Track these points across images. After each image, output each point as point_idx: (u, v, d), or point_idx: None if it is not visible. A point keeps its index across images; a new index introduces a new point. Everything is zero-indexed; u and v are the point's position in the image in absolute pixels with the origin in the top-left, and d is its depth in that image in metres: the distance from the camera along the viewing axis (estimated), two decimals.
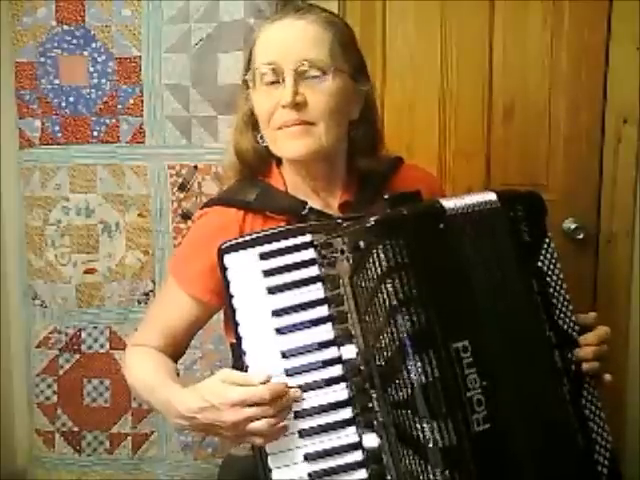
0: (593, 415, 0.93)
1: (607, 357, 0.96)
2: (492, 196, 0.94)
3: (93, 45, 1.71)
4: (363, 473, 0.90)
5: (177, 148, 1.72)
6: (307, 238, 0.95)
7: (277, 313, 0.93)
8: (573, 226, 1.70)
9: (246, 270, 0.94)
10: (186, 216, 1.73)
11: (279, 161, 1.13)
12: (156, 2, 1.68)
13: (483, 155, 1.76)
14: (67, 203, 1.75)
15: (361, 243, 0.87)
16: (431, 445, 0.80)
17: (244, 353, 0.92)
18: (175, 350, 1.13)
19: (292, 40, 1.03)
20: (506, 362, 0.87)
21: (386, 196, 0.91)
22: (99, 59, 1.71)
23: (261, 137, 1.10)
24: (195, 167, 1.72)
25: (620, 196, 1.72)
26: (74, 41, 1.71)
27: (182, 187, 1.73)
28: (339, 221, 0.99)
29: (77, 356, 1.77)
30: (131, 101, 1.72)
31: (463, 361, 0.83)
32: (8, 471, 1.89)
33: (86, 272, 1.76)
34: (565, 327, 0.94)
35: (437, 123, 1.75)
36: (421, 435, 0.81)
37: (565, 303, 0.95)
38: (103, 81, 1.72)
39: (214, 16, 1.66)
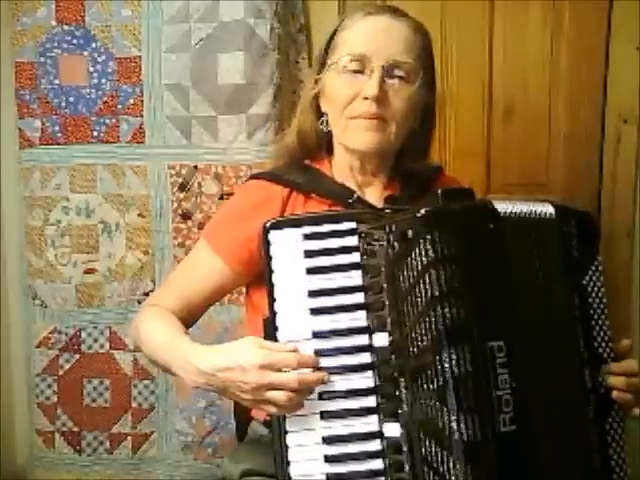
0: (615, 443, 0.92)
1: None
2: (549, 208, 0.94)
3: (93, 45, 1.71)
4: (380, 462, 0.90)
5: (177, 148, 1.72)
6: (353, 225, 0.95)
7: (314, 294, 0.93)
8: None
9: (289, 248, 0.95)
10: (186, 216, 1.73)
11: (328, 150, 1.15)
12: (156, 2, 1.68)
13: (483, 155, 1.76)
14: (67, 203, 1.75)
15: (409, 232, 0.87)
16: (456, 438, 0.80)
17: (277, 329, 0.93)
18: (189, 317, 1.12)
19: (386, 38, 1.06)
20: (538, 369, 0.87)
21: (439, 190, 0.90)
22: (99, 59, 1.72)
23: (321, 122, 1.12)
24: (195, 167, 1.72)
25: (620, 196, 1.72)
26: (74, 41, 1.72)
27: (182, 187, 1.73)
28: (387, 211, 1.00)
29: (77, 356, 1.78)
30: (131, 101, 1.72)
31: (496, 360, 0.83)
32: (8, 471, 1.89)
33: (86, 272, 1.76)
34: (600, 350, 0.94)
35: (437, 123, 1.74)
36: (447, 427, 0.81)
37: (604, 328, 0.94)
38: (103, 81, 1.72)
39: (214, 16, 1.66)
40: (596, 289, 0.95)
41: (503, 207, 0.90)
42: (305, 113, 1.14)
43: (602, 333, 0.94)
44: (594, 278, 0.95)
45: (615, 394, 0.92)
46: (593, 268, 0.96)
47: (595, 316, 0.94)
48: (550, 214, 0.94)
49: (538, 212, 0.93)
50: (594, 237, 0.97)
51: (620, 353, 0.96)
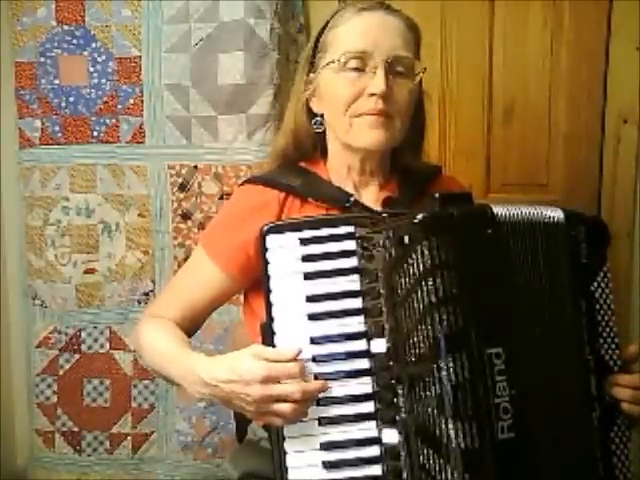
0: (619, 451, 0.91)
1: None
2: (558, 212, 0.93)
3: (93, 45, 1.71)
4: (378, 468, 0.90)
5: (177, 148, 1.72)
6: (350, 229, 0.94)
7: (311, 299, 0.93)
8: None
9: (286, 253, 0.94)
10: (186, 216, 1.73)
11: (322, 152, 1.14)
12: (156, 2, 1.68)
13: (483, 155, 1.76)
14: (67, 203, 1.75)
15: (406, 238, 0.86)
16: (453, 445, 0.79)
17: (274, 334, 0.92)
18: (190, 326, 1.12)
19: (385, 33, 1.04)
20: (538, 375, 0.86)
21: (437, 194, 0.89)
22: (99, 59, 1.72)
23: (314, 123, 1.11)
24: (195, 167, 1.72)
25: (620, 196, 1.72)
26: (74, 41, 1.72)
27: (182, 187, 1.73)
28: (384, 215, 0.99)
29: (77, 356, 1.78)
30: (131, 101, 1.72)
31: (495, 367, 0.82)
32: (8, 471, 1.89)
33: (86, 272, 1.76)
34: (607, 358, 0.93)
35: (437, 123, 1.75)
36: (444, 435, 0.80)
37: (611, 335, 0.93)
38: (103, 81, 1.72)
39: (214, 16, 1.66)
40: (604, 295, 0.94)
41: (504, 211, 0.89)
42: (299, 115, 1.12)
43: (609, 340, 0.93)
44: (602, 284, 0.94)
45: (624, 407, 0.91)
46: (602, 274, 0.94)
47: (602, 323, 0.93)
48: (559, 219, 0.92)
49: (545, 216, 0.92)
50: (604, 243, 0.96)
51: (627, 360, 0.95)
